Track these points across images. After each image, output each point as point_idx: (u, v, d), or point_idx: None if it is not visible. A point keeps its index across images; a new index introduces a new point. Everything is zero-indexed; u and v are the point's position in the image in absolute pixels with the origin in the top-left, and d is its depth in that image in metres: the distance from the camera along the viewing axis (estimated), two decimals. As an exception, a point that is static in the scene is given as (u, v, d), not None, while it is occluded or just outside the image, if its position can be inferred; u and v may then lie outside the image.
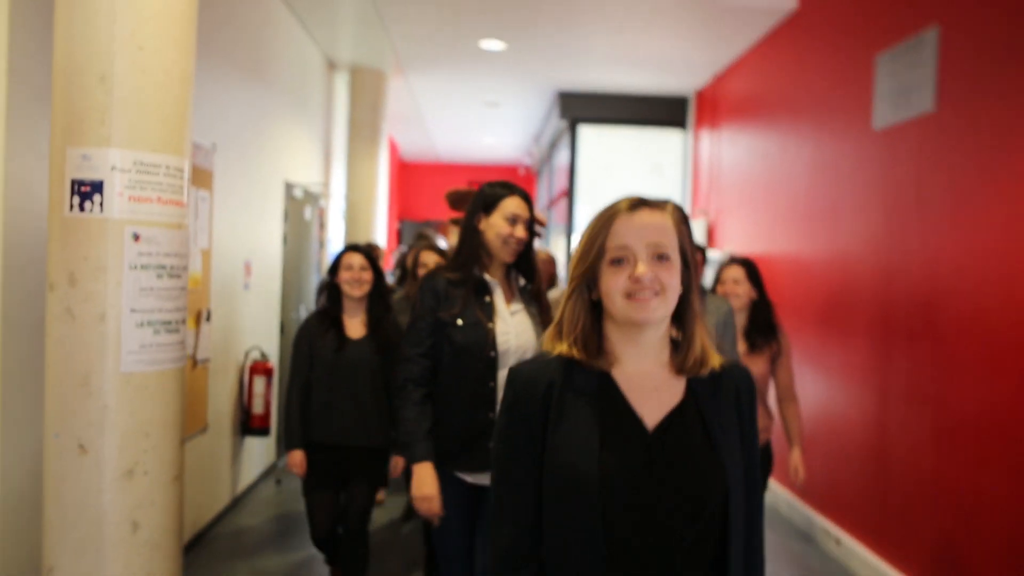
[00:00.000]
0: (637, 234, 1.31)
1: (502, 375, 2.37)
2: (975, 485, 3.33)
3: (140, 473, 2.42)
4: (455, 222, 4.26)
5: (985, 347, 3.29)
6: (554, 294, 3.30)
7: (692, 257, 1.37)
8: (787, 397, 3.46)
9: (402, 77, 7.83)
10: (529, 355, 2.41)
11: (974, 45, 3.45)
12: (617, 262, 1.32)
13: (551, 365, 1.37)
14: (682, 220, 1.38)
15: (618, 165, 8.54)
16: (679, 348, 1.37)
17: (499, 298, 2.47)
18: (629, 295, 1.31)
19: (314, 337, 3.31)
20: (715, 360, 1.37)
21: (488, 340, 2.38)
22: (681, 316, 1.37)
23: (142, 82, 2.41)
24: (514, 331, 2.44)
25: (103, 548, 2.38)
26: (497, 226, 2.42)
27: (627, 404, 1.33)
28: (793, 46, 5.52)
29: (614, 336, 1.36)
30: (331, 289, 3.36)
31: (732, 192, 6.83)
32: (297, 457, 3.27)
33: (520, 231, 2.43)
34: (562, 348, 1.36)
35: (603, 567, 1.27)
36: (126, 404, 2.39)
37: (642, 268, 1.30)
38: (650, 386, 1.35)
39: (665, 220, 1.34)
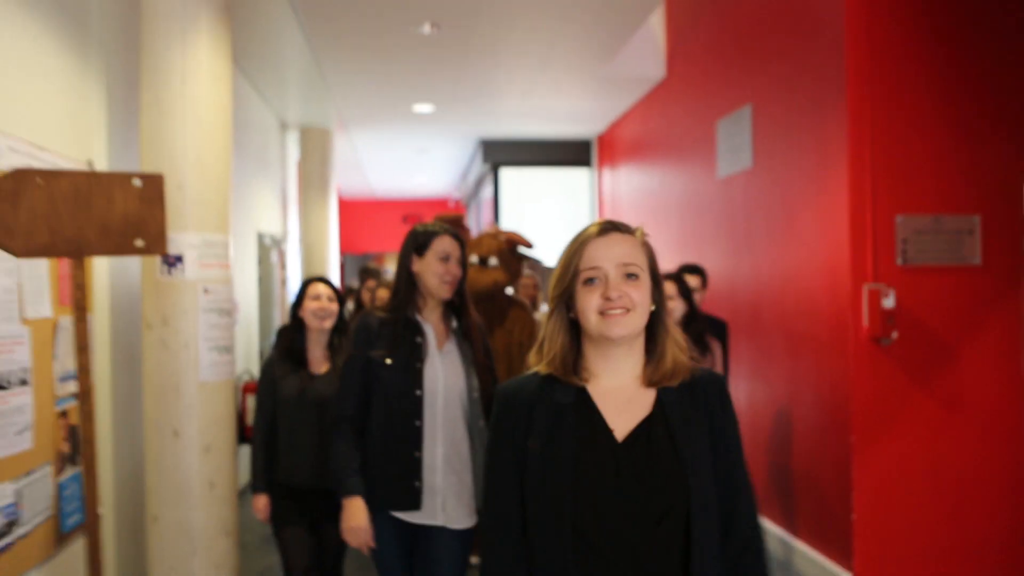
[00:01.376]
0: (607, 256, 1.41)
1: (428, 415, 2.46)
2: (784, 440, 4.71)
3: (214, 449, 3.59)
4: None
5: (787, 338, 4.69)
6: (538, 316, 3.98)
7: (660, 277, 1.47)
8: None
9: (344, 133, 9.03)
10: (458, 393, 2.51)
11: (771, 119, 4.87)
12: (590, 282, 1.41)
13: (532, 382, 1.47)
14: (648, 243, 1.48)
15: (535, 199, 9.94)
16: (650, 361, 1.46)
17: (431, 339, 2.53)
18: (602, 312, 1.40)
19: (277, 378, 3.20)
20: (686, 371, 1.45)
21: (415, 380, 2.44)
22: (653, 331, 1.46)
23: (202, 186, 3.59)
24: (443, 372, 2.50)
25: (191, 501, 3.53)
26: (432, 266, 2.49)
27: (600, 417, 1.41)
28: (664, 106, 6.96)
29: (590, 353, 1.45)
30: (293, 323, 3.26)
31: (630, 219, 8.16)
32: (261, 502, 3.20)
33: (454, 268, 2.50)
34: (541, 367, 1.46)
35: (574, 571, 1.35)
36: (203, 402, 3.56)
37: (613, 286, 1.39)
38: (623, 399, 1.43)
39: (634, 242, 1.44)
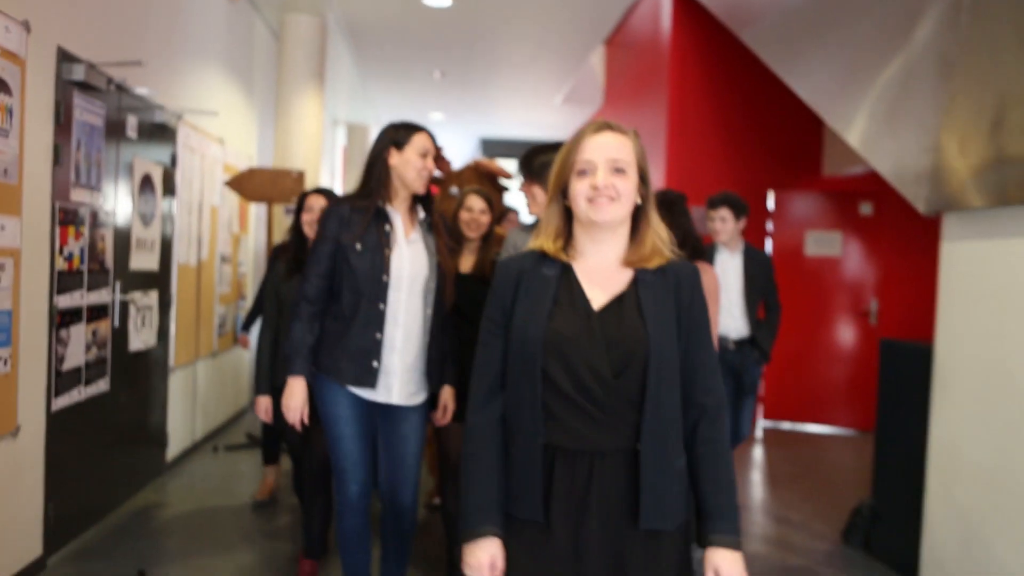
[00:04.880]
0: (599, 151, 1.55)
1: (393, 298, 2.51)
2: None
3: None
4: (435, 181, 5.07)
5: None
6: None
7: (648, 173, 1.60)
8: None
9: (378, 128, 12.24)
10: (422, 281, 2.57)
11: (645, 140, 7.88)
12: (582, 173, 1.55)
13: (527, 257, 1.63)
14: (640, 145, 1.60)
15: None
16: (631, 245, 1.61)
17: (399, 227, 2.56)
18: (590, 200, 1.54)
19: (280, 283, 3.28)
20: (663, 258, 1.59)
21: (383, 265, 2.49)
22: (636, 222, 1.61)
23: (310, 169, 6.70)
24: (409, 259, 2.54)
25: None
26: (412, 160, 2.53)
27: (580, 288, 1.56)
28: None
29: (579, 235, 1.61)
30: (295, 232, 3.35)
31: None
32: (263, 403, 3.25)
33: (431, 164, 2.56)
34: (537, 244, 1.62)
35: (540, 412, 1.51)
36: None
37: (600, 177, 1.53)
38: (603, 276, 1.58)
39: (624, 141, 1.58)
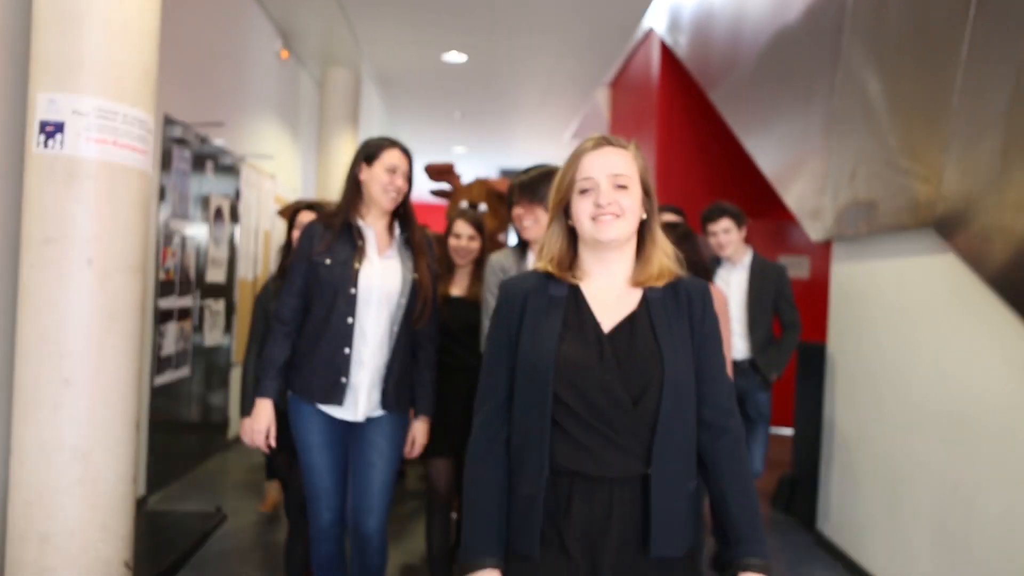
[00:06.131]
0: (600, 167, 1.51)
1: (362, 312, 2.45)
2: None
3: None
4: (435, 193, 5.34)
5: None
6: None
7: (651, 186, 1.55)
8: None
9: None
10: (393, 298, 2.50)
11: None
12: (584, 192, 1.51)
13: (531, 278, 1.57)
14: (642, 157, 1.55)
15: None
16: (638, 264, 1.55)
17: (371, 243, 2.51)
18: (594, 218, 1.50)
19: (270, 300, 3.05)
20: (672, 275, 1.54)
21: (351, 278, 2.44)
22: (642, 238, 1.56)
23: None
24: (380, 274, 2.49)
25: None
26: (378, 176, 2.47)
27: (590, 310, 1.51)
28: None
29: (585, 256, 1.55)
30: (286, 248, 3.25)
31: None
32: (247, 426, 2.81)
33: (399, 180, 2.49)
34: (541, 265, 1.57)
35: (548, 441, 1.44)
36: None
37: (603, 194, 1.48)
38: (612, 297, 1.53)
39: (625, 155, 1.53)
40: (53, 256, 2.69)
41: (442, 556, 3.13)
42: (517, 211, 2.62)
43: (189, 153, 4.87)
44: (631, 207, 1.51)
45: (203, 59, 5.19)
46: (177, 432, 4.89)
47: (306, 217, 3.18)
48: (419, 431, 2.65)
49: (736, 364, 3.70)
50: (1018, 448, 2.73)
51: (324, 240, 2.49)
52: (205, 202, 5.22)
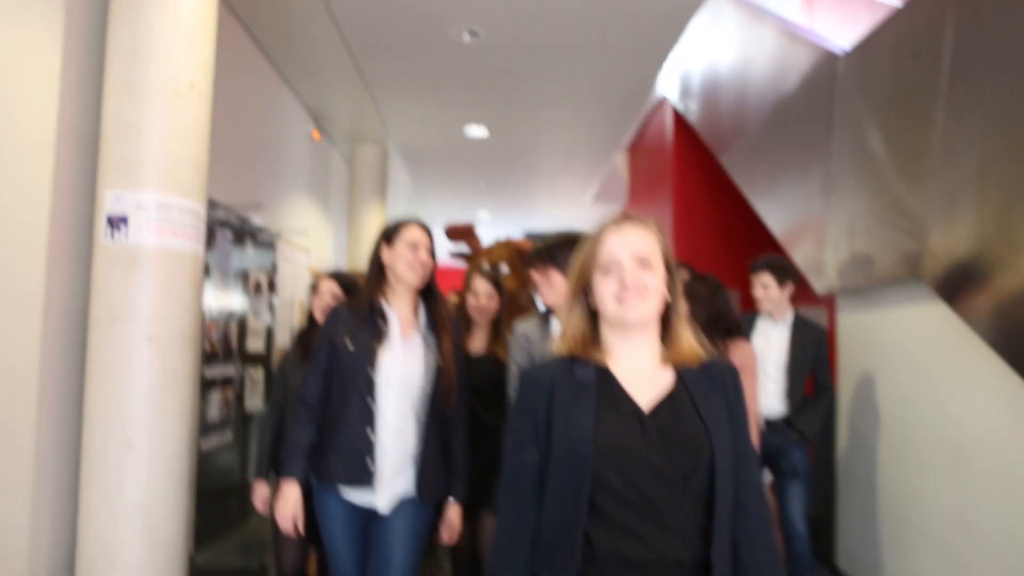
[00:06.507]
0: (623, 246, 1.49)
1: (382, 396, 2.41)
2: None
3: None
4: (456, 255, 5.34)
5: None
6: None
7: (674, 265, 1.53)
8: None
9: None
10: (415, 382, 2.46)
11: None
12: (607, 271, 1.49)
13: (554, 364, 1.51)
14: (662, 233, 1.54)
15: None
16: (666, 343, 1.52)
17: (394, 325, 2.49)
18: (619, 298, 1.47)
19: (290, 369, 3.11)
20: (701, 357, 1.51)
21: (371, 361, 2.42)
22: (667, 316, 1.53)
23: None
24: (402, 359, 2.46)
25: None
26: (401, 254, 2.47)
27: (623, 390, 1.45)
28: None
29: (609, 337, 1.51)
30: (309, 316, 3.22)
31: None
32: (260, 491, 3.15)
33: (423, 255, 2.48)
34: (564, 347, 1.52)
35: (581, 533, 1.36)
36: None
37: (628, 274, 1.46)
38: (644, 376, 1.48)
39: (647, 233, 1.52)
40: (117, 334, 3.01)
41: None
42: (535, 277, 2.56)
43: (230, 232, 5.24)
44: (656, 286, 1.49)
45: (243, 144, 5.62)
46: (221, 494, 5.16)
47: (326, 285, 3.19)
48: (453, 515, 2.59)
49: (770, 423, 3.66)
50: (1014, 479, 2.90)
51: (348, 325, 2.48)
52: (245, 276, 5.57)
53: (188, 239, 3.17)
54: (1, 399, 2.86)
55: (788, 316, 3.80)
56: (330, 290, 3.18)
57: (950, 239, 3.26)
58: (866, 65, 4.06)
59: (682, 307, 1.55)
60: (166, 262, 3.08)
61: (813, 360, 3.74)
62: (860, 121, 4.07)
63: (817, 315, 8.01)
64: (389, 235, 2.54)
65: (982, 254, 3.04)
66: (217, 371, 5.00)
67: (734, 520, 1.45)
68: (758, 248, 8.07)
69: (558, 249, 2.48)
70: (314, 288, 3.24)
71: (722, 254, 8.02)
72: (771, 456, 3.65)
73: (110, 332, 3.01)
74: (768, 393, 3.69)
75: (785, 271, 3.75)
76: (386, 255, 2.53)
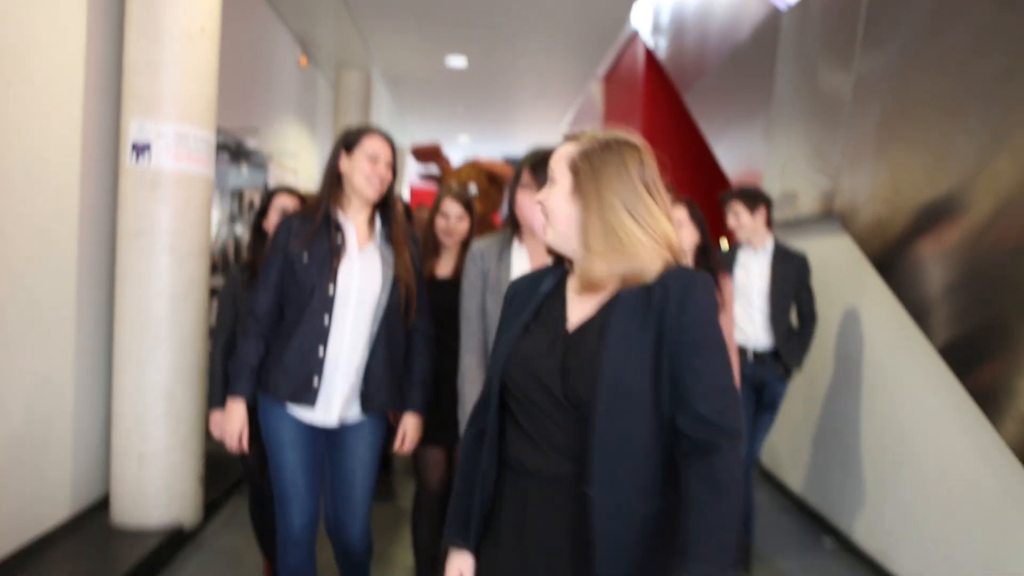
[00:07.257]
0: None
1: (339, 312, 2.34)
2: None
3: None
4: (425, 177, 5.56)
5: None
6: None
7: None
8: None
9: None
10: (372, 296, 2.38)
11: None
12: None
13: (540, 272, 1.55)
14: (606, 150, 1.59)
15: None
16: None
17: (351, 238, 2.39)
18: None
19: (238, 290, 2.95)
20: (642, 274, 1.38)
21: (330, 276, 2.33)
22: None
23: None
24: (359, 271, 2.38)
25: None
26: (359, 165, 2.35)
27: (564, 308, 1.46)
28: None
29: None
30: (256, 236, 3.03)
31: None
32: (216, 418, 2.87)
33: (381, 169, 2.37)
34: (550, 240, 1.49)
35: (494, 434, 1.45)
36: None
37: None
38: (593, 295, 1.43)
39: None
40: (142, 245, 3.54)
41: (427, 556, 2.94)
42: (526, 194, 2.35)
43: (227, 155, 5.70)
44: (557, 208, 1.44)
45: (239, 73, 6.02)
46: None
47: (283, 200, 3.03)
48: (410, 426, 2.51)
49: (758, 354, 3.60)
50: (890, 379, 3.56)
51: (302, 235, 2.36)
52: (240, 196, 6.06)
53: (201, 164, 3.66)
54: (45, 300, 3.38)
55: (768, 244, 3.68)
56: (283, 206, 3.01)
57: (854, 182, 3.83)
58: (803, 21, 4.55)
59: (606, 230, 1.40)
60: (183, 184, 3.58)
61: (796, 288, 3.66)
62: (796, 72, 4.59)
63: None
64: (349, 143, 2.39)
65: (876, 196, 3.61)
66: (218, 281, 5.54)
67: (677, 451, 1.34)
68: (724, 183, 8.61)
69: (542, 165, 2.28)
70: (266, 203, 3.06)
71: (688, 188, 8.51)
72: (755, 387, 3.61)
73: (136, 244, 3.53)
74: (754, 324, 3.63)
75: (754, 198, 3.66)
76: (344, 164, 2.39)
